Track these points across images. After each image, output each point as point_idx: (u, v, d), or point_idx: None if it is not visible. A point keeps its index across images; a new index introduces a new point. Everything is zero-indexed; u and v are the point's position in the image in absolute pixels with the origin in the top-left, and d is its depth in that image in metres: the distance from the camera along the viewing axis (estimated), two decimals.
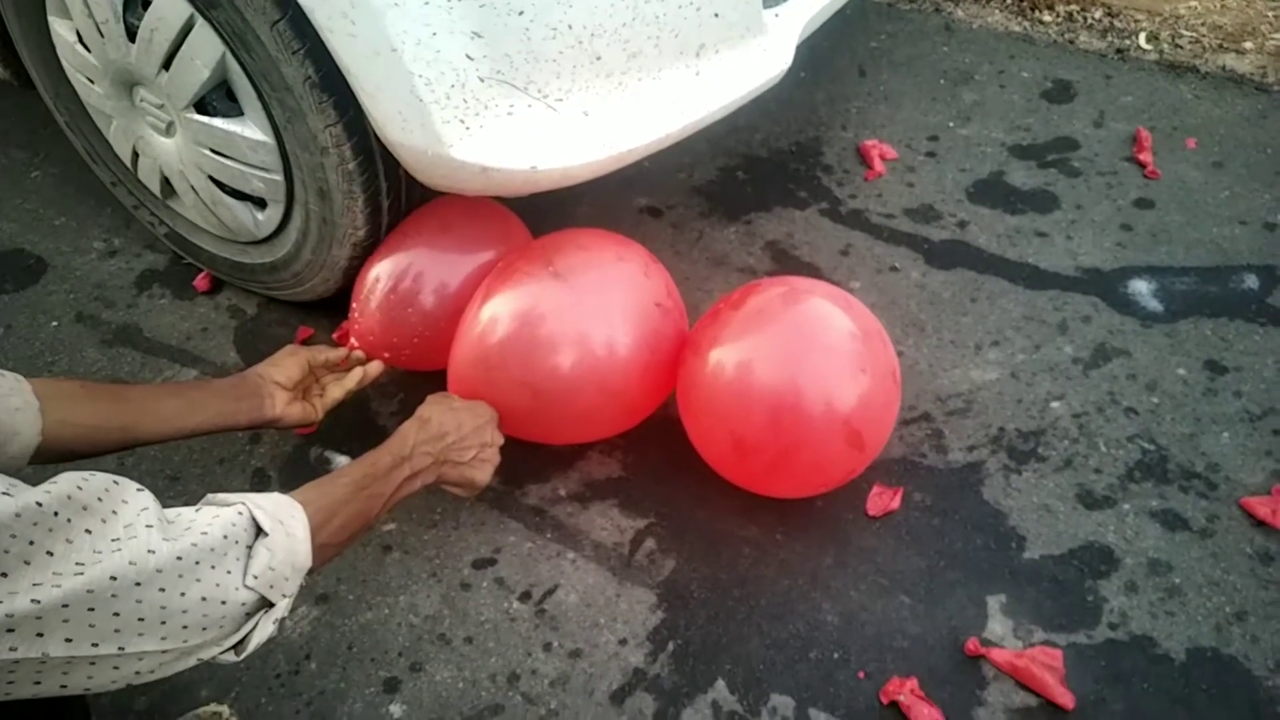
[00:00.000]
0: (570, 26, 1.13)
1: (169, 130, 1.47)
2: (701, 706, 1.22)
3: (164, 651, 0.78)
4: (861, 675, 1.24)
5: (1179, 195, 1.90)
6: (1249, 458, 1.44)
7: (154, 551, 0.76)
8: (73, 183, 2.02)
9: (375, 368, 1.44)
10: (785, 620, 1.30)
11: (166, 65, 1.34)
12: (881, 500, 1.41)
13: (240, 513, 0.86)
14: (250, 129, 1.36)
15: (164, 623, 0.77)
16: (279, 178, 1.40)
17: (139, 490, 0.80)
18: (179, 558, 0.77)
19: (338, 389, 1.39)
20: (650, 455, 1.50)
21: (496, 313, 1.28)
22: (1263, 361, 1.58)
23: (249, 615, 0.86)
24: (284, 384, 1.30)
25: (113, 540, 0.74)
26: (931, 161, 2.00)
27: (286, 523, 0.90)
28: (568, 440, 1.48)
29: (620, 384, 1.31)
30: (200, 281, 1.80)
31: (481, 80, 1.13)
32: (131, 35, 1.34)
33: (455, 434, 1.24)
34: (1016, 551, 1.35)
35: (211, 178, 1.48)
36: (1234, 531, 1.36)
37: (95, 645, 0.73)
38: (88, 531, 0.73)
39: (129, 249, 1.90)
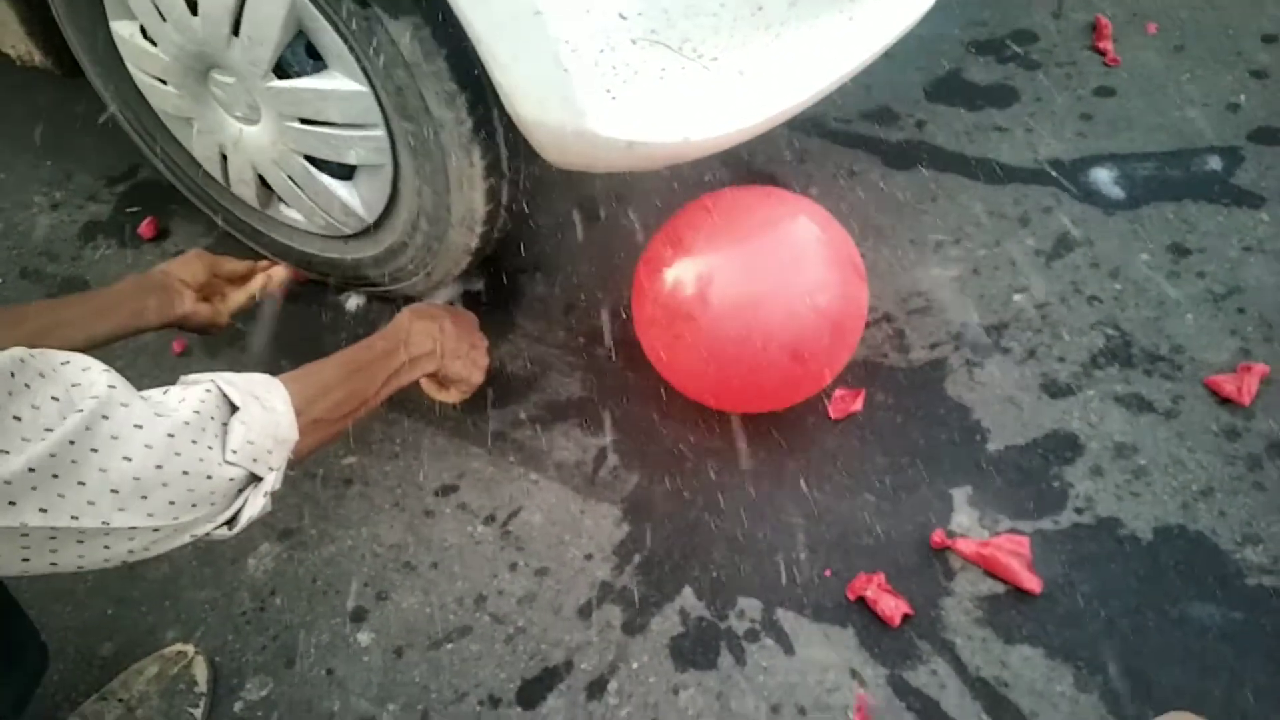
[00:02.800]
0: None
1: (253, 115, 1.30)
2: (669, 614, 1.22)
3: (155, 530, 0.76)
4: (828, 574, 1.24)
5: (1140, 81, 1.86)
6: (1213, 337, 1.43)
7: (108, 418, 0.73)
8: (9, 138, 1.97)
9: (280, 273, 1.40)
10: (750, 525, 1.29)
11: (235, 30, 1.17)
12: (844, 403, 1.39)
13: (209, 390, 0.84)
14: (339, 80, 1.18)
15: (145, 497, 0.74)
16: (380, 132, 1.22)
17: (104, 369, 0.77)
18: (137, 425, 0.75)
19: (241, 293, 1.35)
20: (610, 374, 1.48)
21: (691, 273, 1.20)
22: (1226, 241, 1.56)
23: (240, 491, 0.84)
24: (190, 282, 1.25)
25: (77, 409, 0.72)
26: (886, 61, 1.95)
27: (263, 397, 0.88)
28: (743, 408, 1.39)
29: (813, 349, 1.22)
30: (145, 228, 1.76)
31: (633, 42, 0.98)
32: (194, 10, 1.19)
33: (449, 329, 1.27)
34: (981, 444, 1.34)
35: (308, 158, 1.32)
36: (1199, 410, 1.35)
37: (75, 518, 0.70)
38: (54, 399, 0.71)
39: (71, 201, 1.85)
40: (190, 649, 1.21)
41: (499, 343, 1.51)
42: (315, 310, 1.62)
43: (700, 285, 1.18)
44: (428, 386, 1.36)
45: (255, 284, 1.36)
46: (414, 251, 1.39)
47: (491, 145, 1.19)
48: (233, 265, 1.35)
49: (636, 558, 1.27)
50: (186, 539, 0.81)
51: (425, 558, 1.30)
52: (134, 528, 0.74)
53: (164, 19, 1.21)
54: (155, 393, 0.82)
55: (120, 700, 1.15)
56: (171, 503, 0.76)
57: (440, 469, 1.39)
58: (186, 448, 0.78)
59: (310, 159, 1.32)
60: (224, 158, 1.43)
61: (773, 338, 1.16)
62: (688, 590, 1.24)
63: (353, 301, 1.62)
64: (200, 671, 1.19)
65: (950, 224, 1.63)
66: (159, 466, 0.75)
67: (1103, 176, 1.68)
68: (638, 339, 1.33)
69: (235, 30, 1.16)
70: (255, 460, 0.84)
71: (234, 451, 0.82)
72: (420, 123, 1.16)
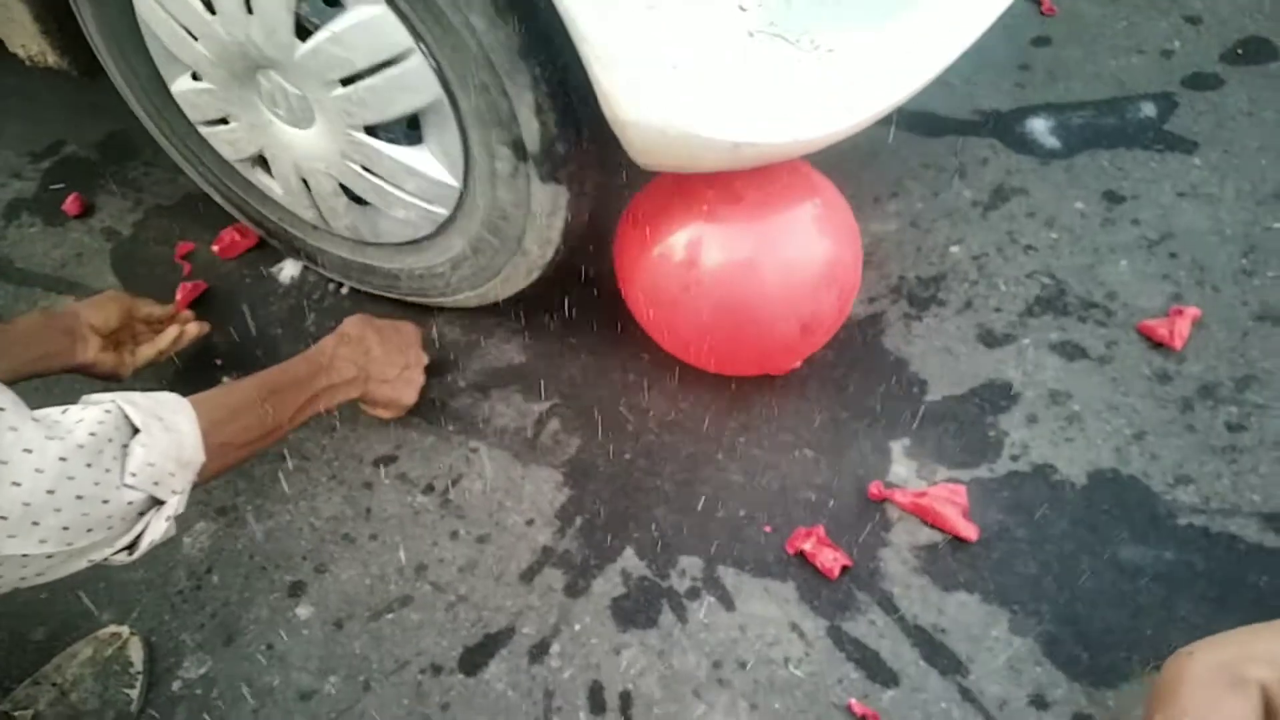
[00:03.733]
0: None
1: (305, 116, 1.20)
2: (611, 575, 1.22)
3: (48, 556, 0.74)
4: (768, 529, 1.24)
5: (1076, 30, 1.86)
6: (1146, 282, 1.44)
7: None
8: None
9: (194, 328, 1.37)
10: (692, 485, 1.29)
11: (249, 7, 1.06)
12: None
13: (109, 410, 0.82)
14: (359, 9, 1.05)
15: (36, 523, 0.72)
16: (418, 59, 1.07)
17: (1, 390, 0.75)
18: (27, 450, 0.73)
19: (150, 348, 1.31)
20: (549, 339, 1.46)
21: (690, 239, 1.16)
22: (1159, 187, 1.57)
23: (140, 514, 0.82)
24: (99, 328, 1.22)
25: None
26: None
27: (167, 418, 0.86)
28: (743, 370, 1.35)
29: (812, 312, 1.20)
30: (71, 205, 1.71)
31: (750, 35, 0.91)
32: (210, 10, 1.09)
33: (378, 351, 1.23)
34: (918, 395, 1.35)
35: (369, 132, 1.19)
36: (1132, 355, 1.36)
37: None
38: None
39: None
40: (125, 630, 1.19)
41: (437, 311, 1.49)
42: (247, 281, 1.58)
43: (707, 248, 1.14)
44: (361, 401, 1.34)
45: (166, 338, 1.33)
46: (488, 253, 1.28)
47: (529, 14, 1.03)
48: (150, 309, 1.32)
49: (578, 521, 1.27)
50: (84, 564, 0.79)
51: (364, 529, 1.28)
52: (26, 555, 0.72)
53: (212, 12, 1.10)
54: (53, 412, 0.79)
55: (54, 684, 1.13)
56: (65, 528, 0.74)
57: (378, 440, 1.37)
58: (81, 471, 0.75)
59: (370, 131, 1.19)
60: (304, 181, 1.31)
61: (783, 306, 1.16)
62: (629, 551, 1.24)
63: (286, 273, 1.59)
64: (136, 652, 1.17)
65: (889, 178, 1.63)
66: (51, 491, 0.73)
67: (1039, 126, 1.68)
68: (621, 295, 1.30)
69: (249, 8, 1.06)
70: (156, 483, 0.82)
71: (133, 474, 0.80)
72: (446, 17, 1.01)
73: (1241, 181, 1.55)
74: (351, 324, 1.25)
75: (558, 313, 1.47)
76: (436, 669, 1.16)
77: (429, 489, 1.32)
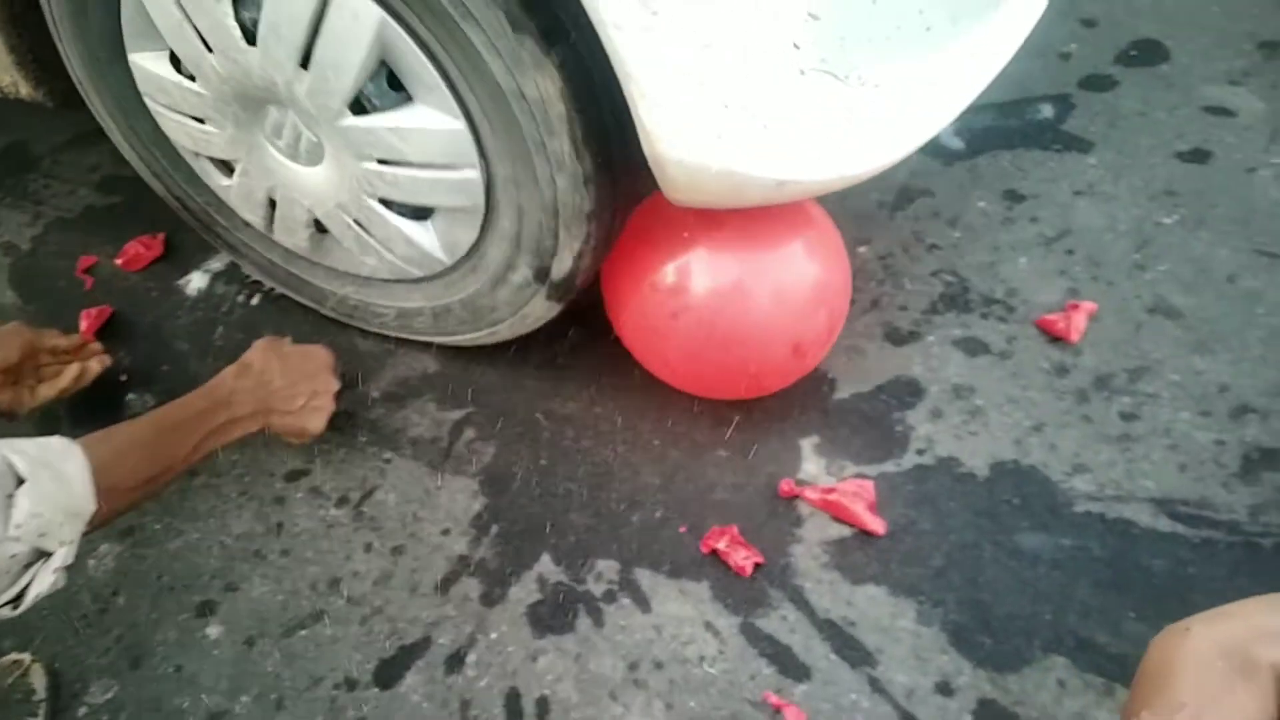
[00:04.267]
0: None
1: (314, 156, 1.17)
2: (528, 582, 1.22)
3: None
4: (683, 530, 1.25)
5: None
6: (1045, 278, 1.49)
7: None
8: None
9: (96, 365, 1.33)
10: (607, 488, 1.30)
11: (304, 62, 1.02)
12: None
13: None
14: (432, 115, 1.03)
15: None
16: (475, 174, 1.08)
17: None
18: None
19: (50, 388, 1.27)
20: (464, 348, 1.46)
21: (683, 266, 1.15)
22: (1058, 186, 1.62)
23: (27, 566, 0.80)
24: None
25: None
26: None
27: (56, 465, 0.84)
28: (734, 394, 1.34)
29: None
30: None
31: (801, 73, 0.90)
32: (248, 38, 1.03)
33: (281, 380, 1.19)
34: (827, 394, 1.38)
35: (381, 201, 1.17)
36: (1031, 349, 1.41)
37: None
38: None
39: None
40: (26, 657, 1.16)
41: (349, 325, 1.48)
42: (153, 295, 1.55)
43: (696, 274, 1.14)
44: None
45: (68, 377, 1.29)
46: (450, 321, 1.27)
47: (605, 183, 1.06)
48: (55, 340, 1.28)
49: (494, 529, 1.27)
50: None
51: (276, 545, 1.27)
52: None
53: (208, 49, 1.07)
54: None
55: None
56: None
57: (290, 454, 1.35)
58: None
59: (383, 201, 1.18)
60: (271, 203, 1.28)
61: (777, 333, 1.17)
62: (545, 557, 1.24)
63: (194, 285, 1.56)
64: (38, 679, 1.14)
65: None
66: None
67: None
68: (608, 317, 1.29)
69: (304, 62, 1.02)
70: (43, 535, 0.80)
71: (18, 526, 0.78)
72: (531, 164, 1.03)
73: (1134, 178, 1.61)
74: (255, 353, 1.21)
75: None
76: (351, 684, 1.15)
77: (342, 502, 1.30)
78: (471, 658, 1.16)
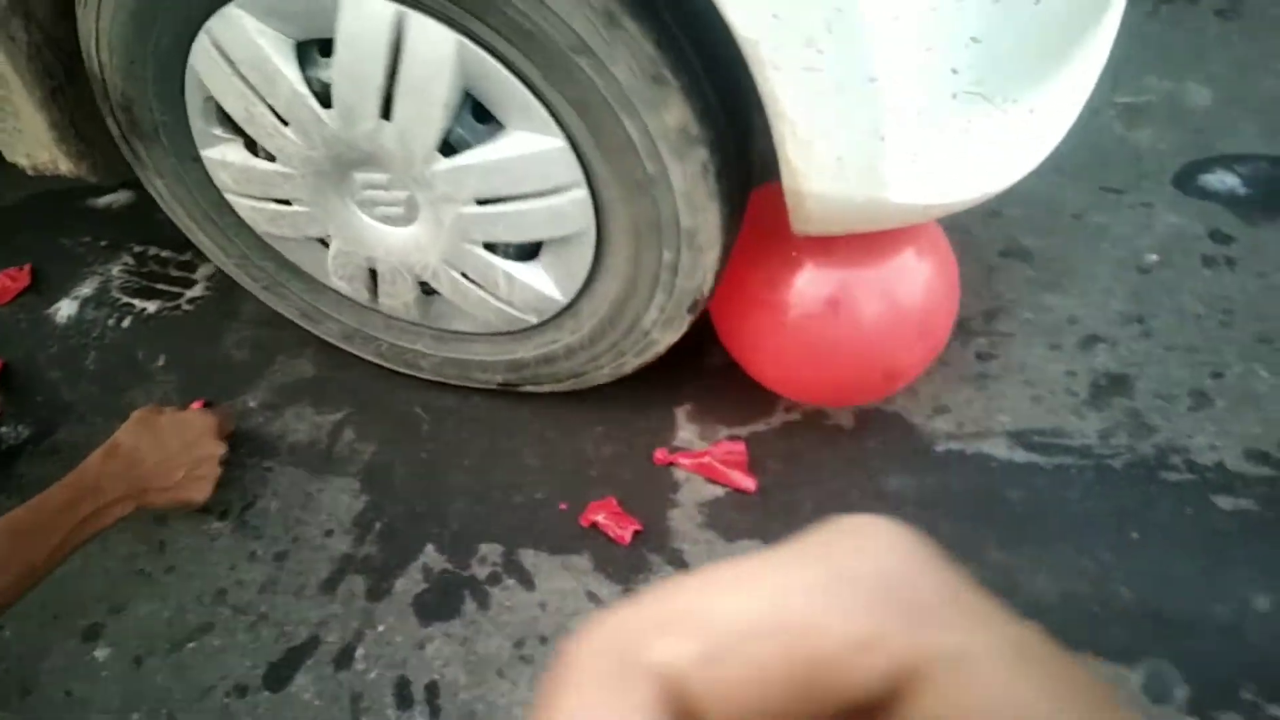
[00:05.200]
0: (1060, 7, 0.89)
1: (409, 214, 1.11)
2: (413, 573, 1.24)
3: None
4: (564, 507, 1.28)
5: None
6: None
7: None
8: None
9: None
10: (488, 474, 1.32)
11: (385, 112, 0.97)
12: None
13: None
14: (528, 139, 0.97)
15: None
16: (583, 193, 1.00)
17: None
18: None
19: None
20: (338, 349, 1.47)
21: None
22: None
23: None
24: None
25: None
26: None
27: None
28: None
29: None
30: None
31: (954, 97, 0.86)
32: (323, 102, 0.99)
33: (155, 457, 1.14)
34: (701, 360, 1.41)
35: (487, 246, 1.11)
36: None
37: None
38: None
39: None
40: None
41: (224, 333, 1.48)
42: (22, 326, 1.54)
43: (830, 287, 1.13)
44: None
45: None
46: (621, 331, 1.20)
47: (732, 200, 1.02)
48: None
49: (377, 525, 1.29)
50: None
51: (160, 563, 1.27)
52: None
53: (284, 123, 1.02)
54: None
55: None
56: None
57: None
58: None
59: (488, 247, 1.11)
60: (372, 273, 1.23)
61: (869, 355, 1.17)
62: (430, 547, 1.26)
63: (63, 313, 1.55)
64: None
65: None
66: None
67: None
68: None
69: (385, 113, 0.97)
70: None
71: None
72: (649, 190, 0.98)
73: None
74: (125, 431, 1.15)
75: None
76: (242, 690, 1.16)
77: (224, 515, 1.31)
78: (360, 652, 1.18)
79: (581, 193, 0.99)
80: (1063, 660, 0.20)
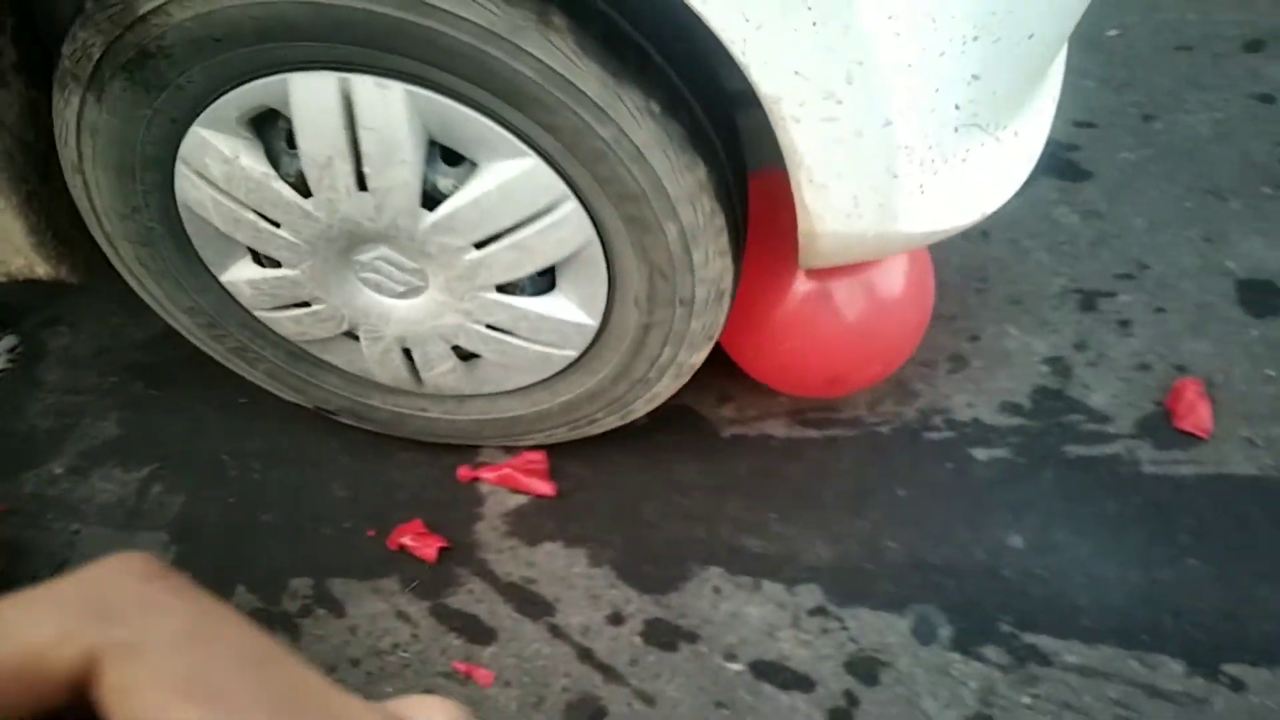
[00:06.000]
0: (1047, 38, 0.92)
1: (417, 283, 1.10)
2: None
3: None
4: (372, 533, 1.32)
5: None
6: None
7: None
8: None
9: None
10: (297, 511, 1.35)
11: (361, 184, 0.96)
12: None
13: None
14: (502, 167, 0.95)
15: None
16: (573, 203, 0.97)
17: None
18: None
19: None
20: (145, 405, 1.48)
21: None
22: None
23: None
24: None
25: None
26: None
27: None
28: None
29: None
30: None
31: (956, 130, 0.90)
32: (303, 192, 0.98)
33: None
34: None
35: (502, 289, 1.09)
36: None
37: None
38: None
39: None
40: None
41: (28, 403, 1.48)
42: None
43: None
44: None
45: None
46: (632, 380, 1.19)
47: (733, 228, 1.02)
48: None
49: (189, 573, 1.30)
50: None
51: None
52: None
53: (275, 225, 1.02)
54: None
55: None
56: None
57: None
58: None
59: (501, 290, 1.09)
60: (406, 352, 1.20)
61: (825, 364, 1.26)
62: (241, 589, 1.28)
63: None
64: None
65: None
66: None
67: None
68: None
69: (361, 185, 0.96)
70: None
71: None
72: (657, 234, 0.98)
73: None
74: None
75: (147, 378, 1.49)
76: None
77: (33, 581, 1.30)
78: None
79: (571, 204, 0.97)
80: (239, 634, 0.26)
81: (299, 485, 1.38)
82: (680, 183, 0.93)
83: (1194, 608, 1.17)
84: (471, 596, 1.25)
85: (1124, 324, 1.44)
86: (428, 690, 1.17)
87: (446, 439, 1.37)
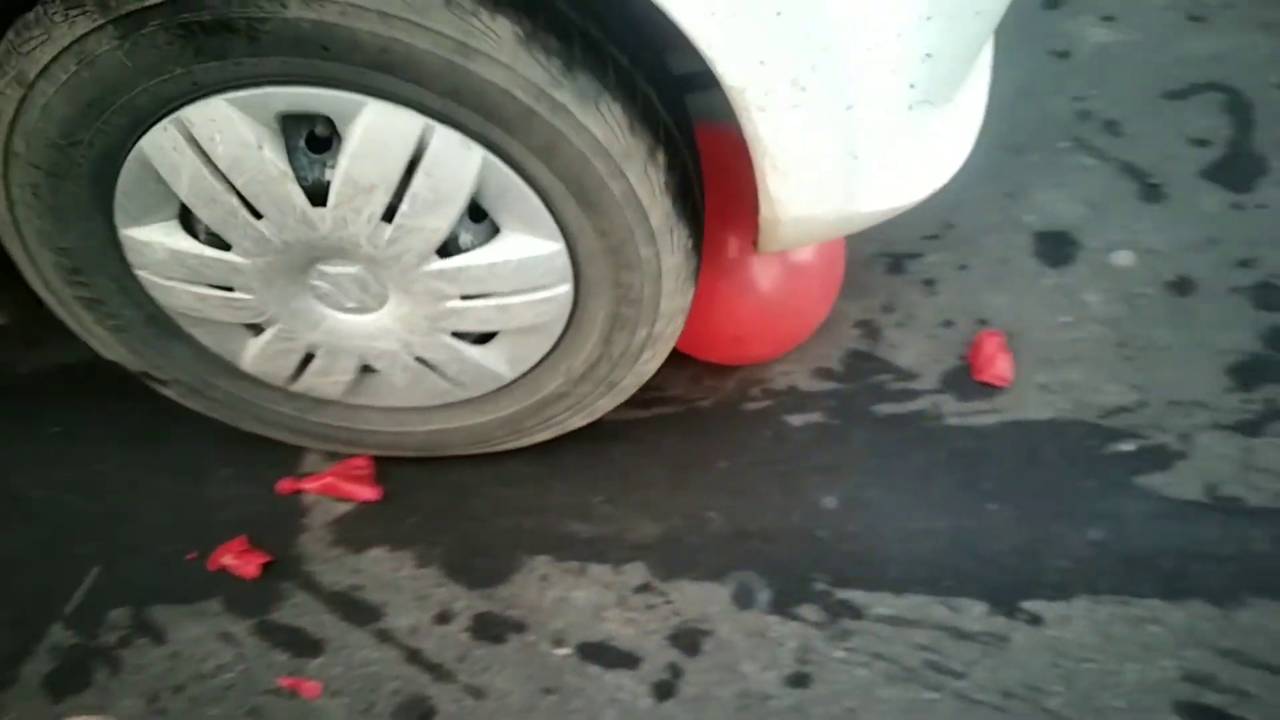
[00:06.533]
0: (992, 13, 0.94)
1: (371, 303, 1.08)
2: (40, 656, 1.22)
3: None
4: (192, 556, 1.29)
5: None
6: None
7: None
8: None
9: None
10: (114, 538, 1.32)
11: (388, 215, 0.94)
12: None
13: None
14: (527, 243, 0.98)
15: None
16: (567, 287, 1.03)
17: None
18: None
19: None
20: None
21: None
22: None
23: None
24: None
25: None
26: None
27: None
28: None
29: None
30: None
31: (910, 109, 0.92)
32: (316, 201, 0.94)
33: None
34: None
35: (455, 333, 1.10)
36: None
37: None
38: None
39: None
40: None
41: None
42: None
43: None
44: None
45: None
46: (592, 383, 1.21)
47: (695, 254, 1.07)
48: None
49: None
50: None
51: None
52: None
53: (258, 216, 0.95)
54: None
55: None
56: None
57: None
58: None
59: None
60: (307, 359, 1.17)
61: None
62: (56, 626, 1.25)
63: None
64: None
65: None
66: None
67: None
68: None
69: (388, 215, 0.94)
70: None
71: None
72: (637, 270, 1.02)
73: None
74: None
75: None
76: None
77: None
78: None
79: (566, 288, 1.02)
80: None
81: (115, 513, 1.34)
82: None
83: (995, 550, 1.23)
84: (297, 610, 1.24)
85: (929, 283, 1.49)
86: (252, 711, 1.16)
87: (273, 431, 1.33)
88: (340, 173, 0.91)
